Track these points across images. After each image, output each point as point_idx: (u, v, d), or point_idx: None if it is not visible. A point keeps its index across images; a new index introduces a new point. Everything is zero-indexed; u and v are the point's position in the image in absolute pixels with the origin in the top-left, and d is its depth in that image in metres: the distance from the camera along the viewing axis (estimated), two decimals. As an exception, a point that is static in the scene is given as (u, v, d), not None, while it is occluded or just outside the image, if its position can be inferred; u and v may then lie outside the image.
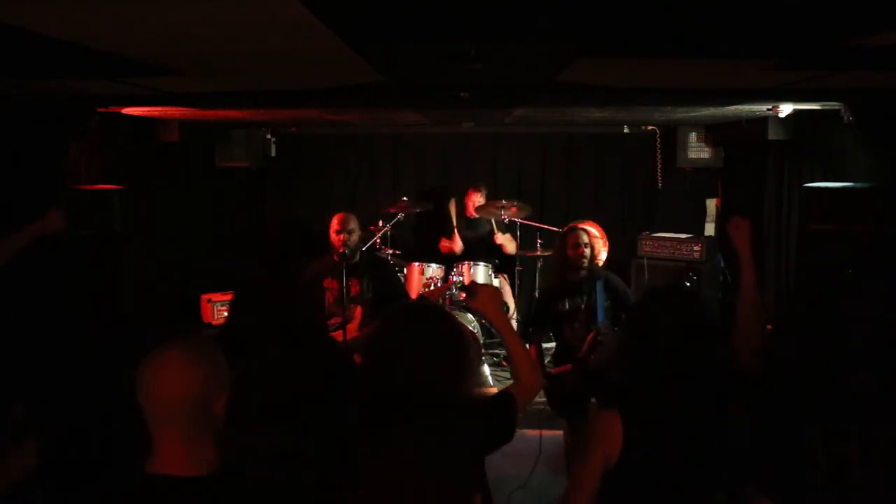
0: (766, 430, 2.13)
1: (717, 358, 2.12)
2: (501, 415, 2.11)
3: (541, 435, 3.66)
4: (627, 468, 2.03)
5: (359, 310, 4.47)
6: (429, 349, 1.97)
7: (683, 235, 6.19)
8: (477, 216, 6.53)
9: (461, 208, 6.74)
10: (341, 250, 4.38)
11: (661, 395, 2.07)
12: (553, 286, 4.34)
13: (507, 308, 6.37)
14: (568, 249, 4.18)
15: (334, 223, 4.49)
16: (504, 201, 6.24)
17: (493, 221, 6.50)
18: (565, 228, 4.50)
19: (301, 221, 7.12)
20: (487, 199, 6.57)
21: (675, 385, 2.06)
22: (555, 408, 3.91)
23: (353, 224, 4.50)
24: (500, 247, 6.55)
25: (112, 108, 4.50)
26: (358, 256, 4.55)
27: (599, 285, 4.11)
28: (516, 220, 6.33)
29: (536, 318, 4.35)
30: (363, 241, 6.15)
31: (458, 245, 6.61)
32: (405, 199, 6.53)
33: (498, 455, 2.11)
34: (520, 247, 6.42)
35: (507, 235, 6.54)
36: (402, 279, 5.70)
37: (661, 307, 2.19)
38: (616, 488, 2.06)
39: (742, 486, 2.08)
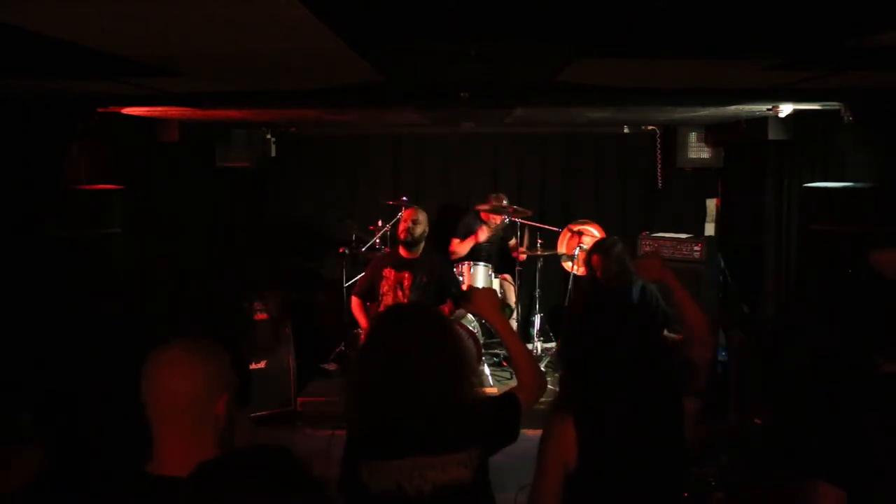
0: (817, 419, 2.13)
1: (658, 355, 2.13)
2: (505, 416, 2.11)
3: None
4: (587, 474, 2.02)
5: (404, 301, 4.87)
6: (427, 348, 1.98)
7: (683, 235, 6.19)
8: (494, 225, 6.54)
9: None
10: (402, 237, 4.92)
11: (609, 400, 2.07)
12: (585, 294, 4.44)
13: (511, 310, 6.38)
14: (596, 271, 4.31)
15: (405, 214, 5.07)
16: (505, 203, 6.28)
17: (517, 233, 6.49)
18: (600, 243, 4.55)
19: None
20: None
21: (620, 389, 2.07)
22: None
23: (421, 217, 4.99)
24: (511, 251, 6.56)
25: (112, 108, 4.50)
26: (419, 252, 5.00)
27: (636, 292, 4.19)
28: (517, 220, 6.34)
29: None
30: (362, 241, 6.18)
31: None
32: (405, 198, 6.54)
33: (502, 456, 2.11)
34: (519, 246, 6.44)
35: (513, 242, 6.58)
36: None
37: (594, 316, 2.21)
38: (579, 492, 2.05)
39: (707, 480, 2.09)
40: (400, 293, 4.94)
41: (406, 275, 4.96)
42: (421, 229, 4.95)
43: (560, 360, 2.18)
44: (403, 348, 1.97)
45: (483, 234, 6.35)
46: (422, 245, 5.01)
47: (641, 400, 2.08)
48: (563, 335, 2.35)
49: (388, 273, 4.98)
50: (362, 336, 4.87)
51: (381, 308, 4.91)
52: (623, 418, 2.06)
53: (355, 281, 5.52)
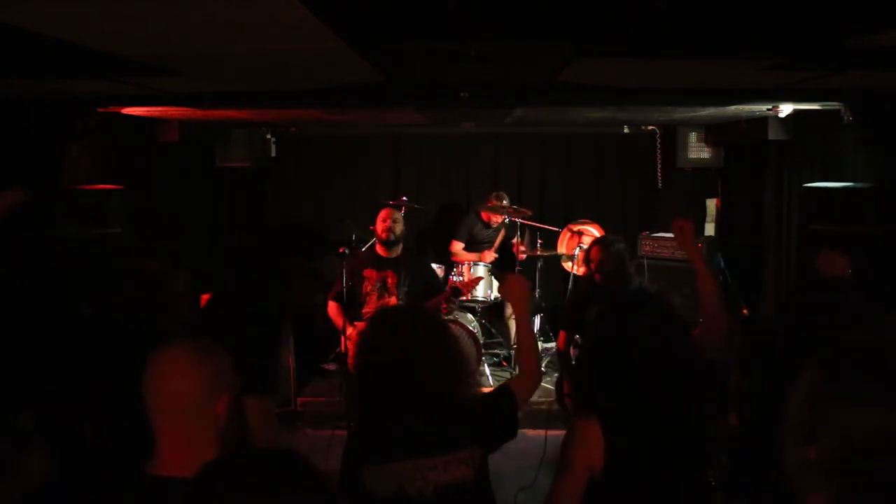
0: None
1: (686, 359, 2.13)
2: (502, 412, 2.12)
3: (546, 435, 3.66)
4: (615, 475, 1.99)
5: (393, 300, 4.85)
6: (425, 349, 1.98)
7: (683, 235, 6.18)
8: (494, 224, 6.55)
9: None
10: (384, 237, 4.90)
11: (637, 400, 2.05)
12: (584, 293, 4.41)
13: (536, 304, 6.39)
14: (591, 264, 4.29)
15: (381, 214, 5.03)
16: (505, 202, 6.30)
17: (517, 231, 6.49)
18: (600, 240, 4.56)
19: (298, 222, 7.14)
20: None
21: (648, 389, 2.05)
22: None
23: (398, 216, 5.04)
24: (511, 248, 6.57)
25: (112, 108, 4.50)
26: (398, 251, 4.98)
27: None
28: (517, 220, 6.34)
29: (568, 324, 4.41)
30: (363, 241, 6.18)
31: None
32: (405, 198, 6.55)
33: (501, 456, 2.11)
34: (527, 247, 6.46)
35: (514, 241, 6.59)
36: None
37: (626, 314, 2.20)
38: (605, 496, 2.02)
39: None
40: (385, 293, 4.91)
41: (389, 273, 4.93)
42: (400, 228, 4.98)
43: (581, 358, 2.18)
44: (402, 350, 1.97)
45: (489, 257, 6.38)
46: (400, 244, 5.01)
47: (667, 400, 2.06)
48: (591, 332, 2.34)
49: (370, 274, 4.92)
50: (344, 340, 4.82)
51: (367, 309, 4.86)
52: (651, 419, 2.04)
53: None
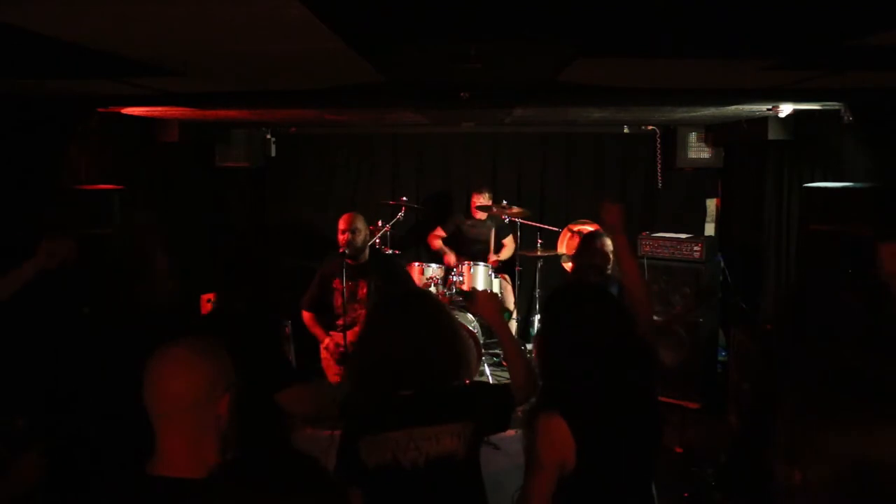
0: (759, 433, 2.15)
1: (636, 345, 2.15)
2: (498, 400, 2.17)
3: None
4: (587, 471, 1.99)
5: (363, 313, 4.48)
6: (427, 325, 2.03)
7: (683, 235, 6.18)
8: (480, 219, 6.55)
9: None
10: (342, 250, 4.50)
11: (597, 390, 2.05)
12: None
13: (509, 314, 6.37)
14: (596, 256, 4.28)
15: (340, 223, 4.61)
16: (504, 202, 6.30)
17: (493, 230, 6.48)
18: (586, 233, 4.55)
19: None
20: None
21: (605, 377, 2.06)
22: None
23: (360, 223, 4.59)
24: (501, 248, 6.58)
25: (112, 108, 4.50)
26: (366, 256, 4.67)
27: (615, 290, 4.18)
28: (516, 220, 6.34)
29: None
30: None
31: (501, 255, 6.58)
32: (405, 198, 6.55)
33: (502, 456, 2.13)
34: (519, 248, 6.46)
35: (507, 240, 6.58)
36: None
37: (567, 305, 2.21)
38: (579, 491, 2.03)
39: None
40: (356, 303, 4.59)
41: (360, 283, 4.64)
42: (362, 237, 4.57)
43: (540, 354, 2.17)
44: (405, 326, 2.02)
45: (454, 260, 6.35)
46: (367, 249, 4.67)
47: (627, 392, 2.10)
48: (546, 327, 2.32)
49: (338, 285, 4.60)
50: (323, 352, 4.67)
51: (341, 321, 4.63)
52: (614, 411, 2.06)
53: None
